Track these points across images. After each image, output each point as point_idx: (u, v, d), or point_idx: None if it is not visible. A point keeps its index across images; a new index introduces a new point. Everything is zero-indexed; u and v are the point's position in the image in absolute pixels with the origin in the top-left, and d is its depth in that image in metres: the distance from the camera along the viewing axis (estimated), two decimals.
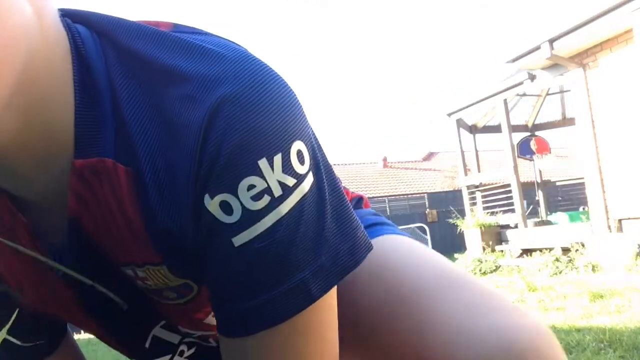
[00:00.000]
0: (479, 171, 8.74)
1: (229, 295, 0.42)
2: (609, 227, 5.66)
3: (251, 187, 0.39)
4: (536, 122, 9.29)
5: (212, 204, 0.39)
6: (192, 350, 0.68)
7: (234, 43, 0.44)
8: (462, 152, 8.62)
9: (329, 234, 0.43)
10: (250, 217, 0.39)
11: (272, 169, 0.39)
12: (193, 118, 0.39)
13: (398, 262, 0.62)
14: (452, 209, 8.62)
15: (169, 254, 0.46)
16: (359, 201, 0.77)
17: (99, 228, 0.46)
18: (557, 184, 11.21)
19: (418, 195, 16.99)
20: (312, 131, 0.44)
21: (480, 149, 9.04)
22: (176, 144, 0.40)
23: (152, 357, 0.65)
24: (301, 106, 0.42)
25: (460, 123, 8.60)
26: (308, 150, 0.41)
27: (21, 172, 0.43)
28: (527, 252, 6.61)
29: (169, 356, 0.67)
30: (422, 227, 11.00)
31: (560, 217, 7.91)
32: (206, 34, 0.45)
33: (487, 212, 7.88)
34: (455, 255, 7.68)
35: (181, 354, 0.67)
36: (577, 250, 5.66)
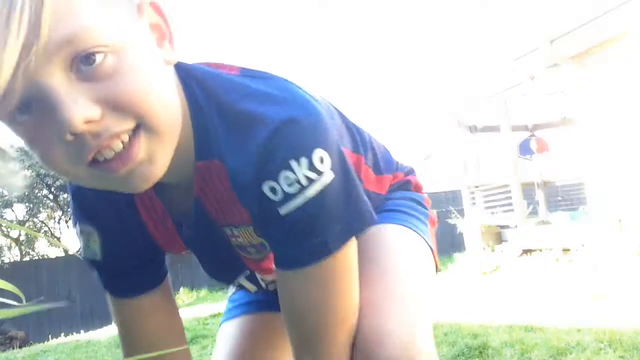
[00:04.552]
0: (478, 171, 8.72)
1: (277, 244, 0.69)
2: (609, 227, 5.66)
3: (286, 177, 0.62)
4: (536, 122, 9.28)
5: (265, 188, 0.63)
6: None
7: (287, 82, 0.69)
8: (462, 152, 8.60)
9: (344, 210, 0.65)
10: (288, 197, 0.62)
11: (300, 167, 0.61)
12: (260, 137, 0.63)
13: (379, 244, 0.84)
14: (452, 209, 8.57)
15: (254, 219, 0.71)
16: (405, 183, 1.00)
17: (212, 203, 0.74)
18: (557, 184, 11.20)
19: None
20: (337, 142, 0.65)
21: (480, 149, 9.02)
22: (247, 155, 0.64)
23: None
24: (327, 125, 0.64)
25: (460, 123, 8.59)
26: (329, 155, 0.62)
27: (171, 171, 0.65)
28: (527, 252, 6.61)
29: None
30: None
31: (560, 217, 7.90)
32: (268, 77, 0.70)
33: (487, 212, 7.86)
34: (455, 255, 7.67)
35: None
36: (577, 250, 5.65)
